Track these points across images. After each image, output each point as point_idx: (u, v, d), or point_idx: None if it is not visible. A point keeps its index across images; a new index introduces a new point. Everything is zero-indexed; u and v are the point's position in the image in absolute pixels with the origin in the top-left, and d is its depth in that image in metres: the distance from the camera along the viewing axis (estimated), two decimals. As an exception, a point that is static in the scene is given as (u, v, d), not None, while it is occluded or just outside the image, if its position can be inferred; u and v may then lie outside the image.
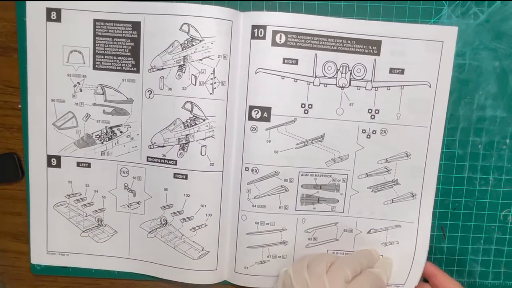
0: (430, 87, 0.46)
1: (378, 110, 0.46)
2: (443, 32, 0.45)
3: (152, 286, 0.53)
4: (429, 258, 0.50)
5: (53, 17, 0.47)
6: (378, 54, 0.45)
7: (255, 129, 0.46)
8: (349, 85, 0.46)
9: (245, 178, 0.48)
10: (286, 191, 0.48)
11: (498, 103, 0.48)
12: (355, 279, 0.43)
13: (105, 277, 0.53)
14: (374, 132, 0.47)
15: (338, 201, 0.48)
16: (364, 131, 0.47)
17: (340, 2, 0.47)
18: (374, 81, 0.46)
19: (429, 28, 0.45)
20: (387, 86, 0.46)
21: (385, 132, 0.47)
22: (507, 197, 0.49)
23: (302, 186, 0.48)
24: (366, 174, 0.47)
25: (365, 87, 0.46)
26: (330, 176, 0.48)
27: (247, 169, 0.47)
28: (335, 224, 0.49)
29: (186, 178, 0.47)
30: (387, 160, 0.47)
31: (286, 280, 0.44)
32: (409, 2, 0.47)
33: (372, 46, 0.45)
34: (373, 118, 0.46)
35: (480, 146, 0.49)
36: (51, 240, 0.51)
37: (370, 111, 0.46)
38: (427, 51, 0.45)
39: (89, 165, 0.50)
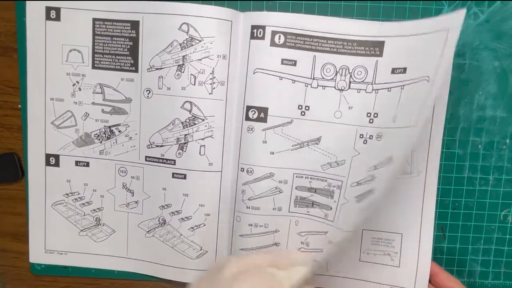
0: (428, 81, 0.44)
1: (377, 114, 0.45)
2: (449, 20, 0.41)
3: (152, 286, 0.53)
4: (428, 258, 0.50)
5: (53, 16, 0.47)
6: (380, 55, 0.44)
7: (252, 129, 0.46)
8: (349, 87, 0.45)
9: (241, 179, 0.48)
10: (280, 192, 0.47)
11: (498, 103, 0.48)
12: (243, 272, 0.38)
13: (105, 277, 0.53)
14: (371, 137, 0.45)
15: (331, 208, 0.47)
16: (361, 136, 0.46)
17: (340, 2, 0.47)
18: (375, 83, 0.45)
19: (434, 21, 0.42)
20: (388, 88, 0.45)
21: (380, 137, 0.45)
22: (507, 197, 0.49)
23: (296, 188, 0.47)
24: (357, 182, 0.46)
25: (365, 89, 0.45)
26: (326, 180, 0.47)
27: (242, 169, 0.47)
28: (325, 233, 0.48)
29: (184, 178, 0.48)
30: (375, 167, 0.45)
31: None
32: (409, 2, 0.47)
33: (375, 48, 0.44)
34: (371, 122, 0.45)
35: (480, 146, 0.49)
36: (49, 239, 0.51)
37: (369, 114, 0.45)
38: (430, 43, 0.43)
39: (87, 164, 0.50)
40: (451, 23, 0.41)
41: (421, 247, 0.48)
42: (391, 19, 0.47)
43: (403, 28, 0.44)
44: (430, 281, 0.48)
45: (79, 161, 0.50)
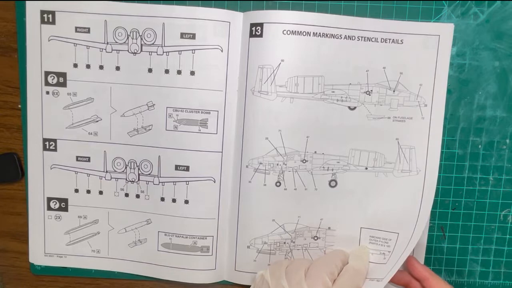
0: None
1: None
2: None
3: (152, 286, 0.53)
4: (429, 258, 0.50)
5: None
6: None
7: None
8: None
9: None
10: None
11: (498, 103, 0.48)
12: (336, 282, 0.42)
13: (105, 277, 0.53)
14: None
15: None
16: None
17: (340, 2, 0.47)
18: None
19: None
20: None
21: None
22: (507, 197, 0.49)
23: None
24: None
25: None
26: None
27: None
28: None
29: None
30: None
31: (263, 287, 0.44)
32: (409, 2, 0.47)
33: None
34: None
35: (480, 146, 0.49)
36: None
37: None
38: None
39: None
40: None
41: (410, 243, 0.47)
42: (391, 19, 0.47)
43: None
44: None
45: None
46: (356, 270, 0.44)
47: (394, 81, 0.46)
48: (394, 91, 0.46)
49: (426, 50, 0.45)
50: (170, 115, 0.47)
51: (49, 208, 0.50)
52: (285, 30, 0.44)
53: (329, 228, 0.49)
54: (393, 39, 0.45)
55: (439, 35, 0.45)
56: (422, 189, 0.47)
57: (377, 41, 0.45)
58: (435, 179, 0.47)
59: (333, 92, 0.46)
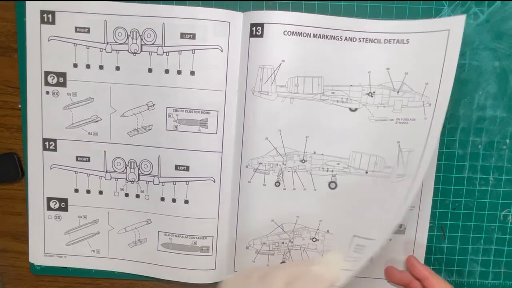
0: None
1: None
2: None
3: (152, 286, 0.53)
4: (429, 258, 0.50)
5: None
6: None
7: None
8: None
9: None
10: None
11: (498, 103, 0.48)
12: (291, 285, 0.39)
13: (105, 277, 0.53)
14: None
15: None
16: None
17: (340, 2, 0.47)
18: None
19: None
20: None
21: None
22: (507, 197, 0.49)
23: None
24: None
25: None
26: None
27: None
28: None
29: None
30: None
31: None
32: (409, 2, 0.47)
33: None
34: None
35: (480, 146, 0.49)
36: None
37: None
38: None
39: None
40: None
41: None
42: (391, 19, 0.47)
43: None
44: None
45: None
46: (317, 275, 0.41)
47: (399, 81, 0.45)
48: (398, 92, 0.45)
49: (433, 47, 0.43)
50: (170, 115, 0.47)
51: (49, 208, 0.50)
52: (286, 30, 0.44)
53: (327, 231, 0.48)
54: (397, 40, 0.44)
55: (449, 30, 0.43)
56: (420, 192, 0.47)
57: (379, 42, 0.45)
58: (432, 181, 0.47)
59: (333, 93, 0.46)
